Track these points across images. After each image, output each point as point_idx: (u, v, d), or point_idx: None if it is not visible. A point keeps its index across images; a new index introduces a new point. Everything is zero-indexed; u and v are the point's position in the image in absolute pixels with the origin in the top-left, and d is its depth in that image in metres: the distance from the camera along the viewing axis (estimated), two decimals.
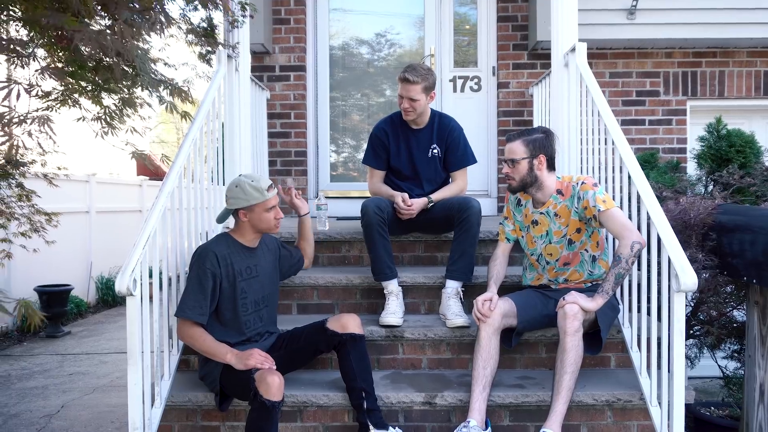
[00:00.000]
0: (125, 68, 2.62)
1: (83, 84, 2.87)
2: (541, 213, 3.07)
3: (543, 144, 3.00)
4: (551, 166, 3.04)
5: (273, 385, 2.58)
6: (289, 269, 3.25)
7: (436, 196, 3.57)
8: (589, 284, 3.10)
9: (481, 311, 2.94)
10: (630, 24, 5.01)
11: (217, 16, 3.39)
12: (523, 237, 3.19)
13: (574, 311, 2.76)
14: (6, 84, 2.27)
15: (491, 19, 5.41)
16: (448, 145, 3.64)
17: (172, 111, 3.19)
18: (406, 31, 5.62)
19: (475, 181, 5.26)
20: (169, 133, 25.56)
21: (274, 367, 2.72)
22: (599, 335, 2.91)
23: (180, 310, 2.81)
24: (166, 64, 3.14)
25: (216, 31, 3.28)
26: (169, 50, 3.85)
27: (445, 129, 3.64)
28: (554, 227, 3.05)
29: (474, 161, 3.72)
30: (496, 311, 2.93)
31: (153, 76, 2.78)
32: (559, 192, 3.04)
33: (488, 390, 2.86)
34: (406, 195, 3.51)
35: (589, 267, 3.09)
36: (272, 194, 2.93)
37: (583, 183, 2.96)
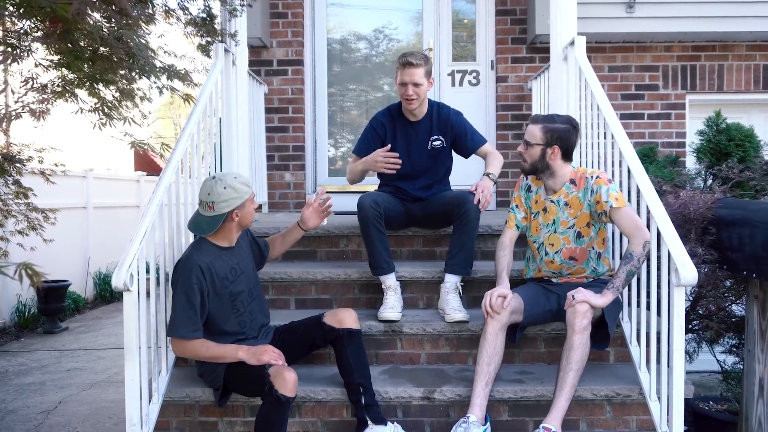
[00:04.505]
0: (123, 57, 2.59)
1: (80, 75, 2.85)
2: (552, 201, 3.05)
3: (561, 136, 2.95)
4: (567, 157, 3.01)
5: (289, 381, 2.58)
6: (259, 265, 3.19)
7: (493, 170, 3.47)
8: (591, 280, 3.09)
9: (493, 306, 2.87)
10: (629, 17, 4.99)
11: (215, 7, 3.36)
12: (529, 223, 3.18)
13: (584, 309, 2.74)
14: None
15: (490, 13, 5.39)
16: (456, 134, 3.58)
17: (173, 94, 3.15)
18: (404, 26, 5.59)
19: (474, 176, 5.24)
20: (167, 129, 25.52)
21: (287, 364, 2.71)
22: (603, 330, 2.90)
23: (173, 329, 2.73)
24: (165, 52, 3.11)
25: (215, 21, 3.26)
26: (167, 45, 3.83)
27: (445, 119, 3.58)
28: (562, 217, 3.03)
29: (485, 139, 3.69)
30: (507, 308, 2.89)
31: (152, 61, 2.75)
32: (572, 182, 3.01)
33: (490, 386, 2.84)
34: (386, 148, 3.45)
35: (594, 264, 3.07)
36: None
37: (598, 177, 2.94)
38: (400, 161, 3.45)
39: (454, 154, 3.70)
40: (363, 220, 3.33)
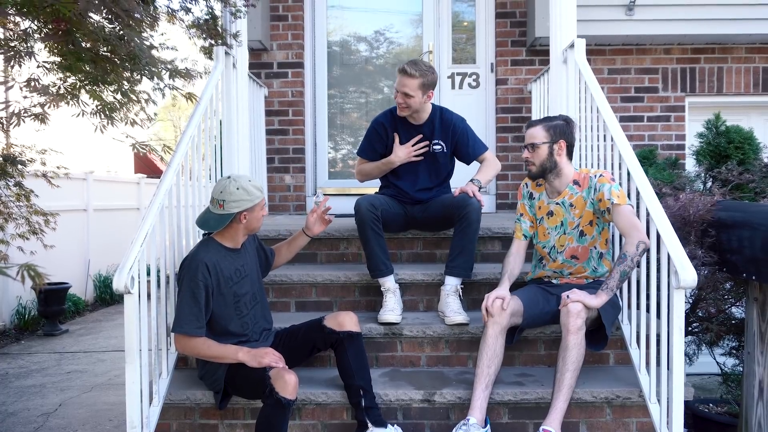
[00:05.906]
0: (124, 57, 2.59)
1: (80, 77, 2.84)
2: (557, 203, 3.07)
3: (563, 130, 3.01)
4: (570, 154, 3.05)
5: (290, 383, 2.59)
6: (264, 271, 3.22)
7: (481, 177, 3.52)
8: (591, 281, 3.09)
9: (490, 309, 2.90)
10: (628, 20, 5.00)
11: (217, 8, 3.36)
12: (536, 230, 3.19)
13: (578, 309, 2.75)
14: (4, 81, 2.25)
15: (489, 16, 5.39)
16: (457, 141, 3.59)
17: (175, 95, 3.15)
18: (404, 29, 5.60)
19: None
20: (167, 131, 25.56)
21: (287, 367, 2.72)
22: (602, 332, 2.91)
23: (177, 325, 2.74)
24: (167, 48, 3.11)
25: (218, 21, 3.26)
26: (168, 40, 3.83)
27: (447, 125, 3.58)
28: (569, 218, 3.05)
29: (486, 147, 3.71)
30: (507, 310, 2.91)
31: (154, 61, 2.74)
32: (576, 183, 3.04)
33: (490, 389, 2.85)
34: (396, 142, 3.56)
35: (594, 263, 3.08)
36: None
37: (601, 176, 2.97)
38: (426, 141, 3.53)
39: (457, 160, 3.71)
40: (360, 222, 3.34)
